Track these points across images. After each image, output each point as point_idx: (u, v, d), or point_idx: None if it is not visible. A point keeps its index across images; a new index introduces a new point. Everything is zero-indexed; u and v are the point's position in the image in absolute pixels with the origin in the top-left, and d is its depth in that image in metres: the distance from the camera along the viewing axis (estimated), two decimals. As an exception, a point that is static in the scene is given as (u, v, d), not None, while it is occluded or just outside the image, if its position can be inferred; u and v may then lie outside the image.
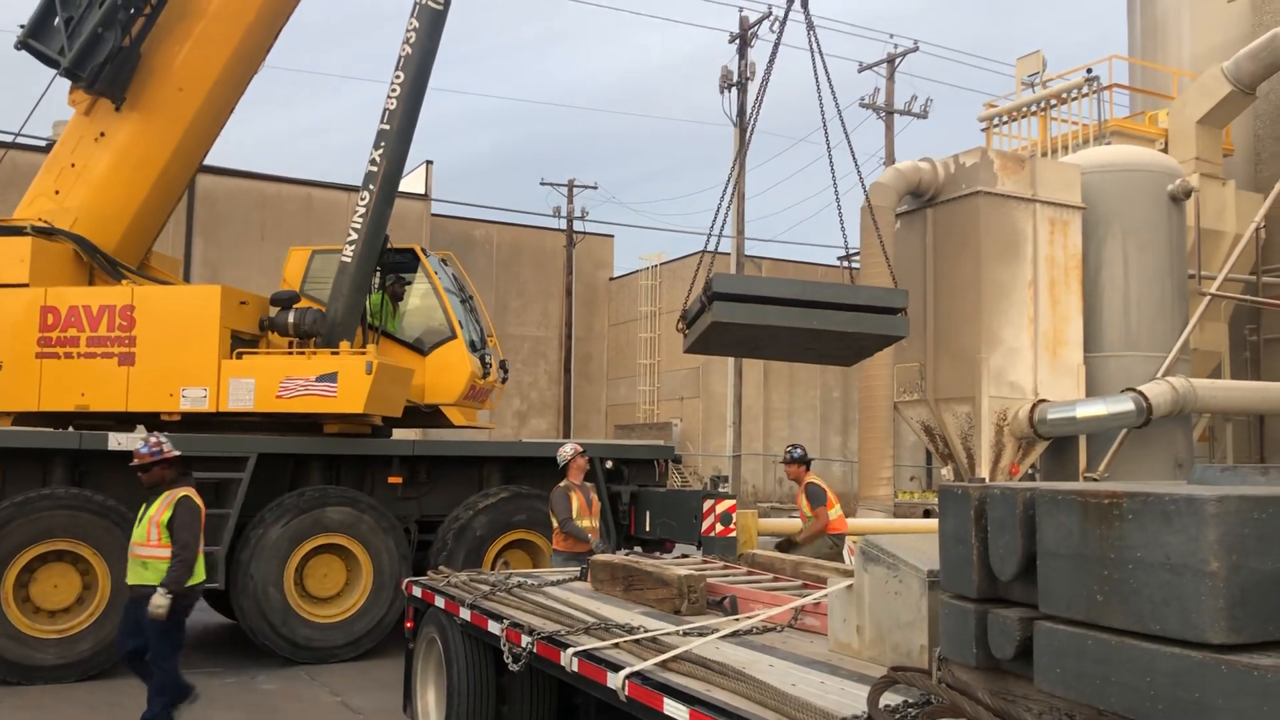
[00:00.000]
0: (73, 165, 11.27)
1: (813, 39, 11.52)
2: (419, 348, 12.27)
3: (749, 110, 31.28)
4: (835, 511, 10.77)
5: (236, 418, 10.92)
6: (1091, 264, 15.06)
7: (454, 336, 12.22)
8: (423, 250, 12.71)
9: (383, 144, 11.23)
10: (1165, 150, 17.80)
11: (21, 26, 10.76)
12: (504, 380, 13.10)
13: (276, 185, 31.32)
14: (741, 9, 32.55)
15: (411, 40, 11.28)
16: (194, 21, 11.22)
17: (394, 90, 11.21)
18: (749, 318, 9.41)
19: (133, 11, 10.80)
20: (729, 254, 31.60)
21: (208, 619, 12.91)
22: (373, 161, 11.27)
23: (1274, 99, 18.95)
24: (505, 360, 13.47)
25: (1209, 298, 15.88)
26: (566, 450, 10.10)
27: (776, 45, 11.79)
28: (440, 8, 11.30)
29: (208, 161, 12.36)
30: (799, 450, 11.09)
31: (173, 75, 11.24)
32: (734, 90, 31.39)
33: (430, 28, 11.27)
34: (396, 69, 11.28)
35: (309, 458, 11.19)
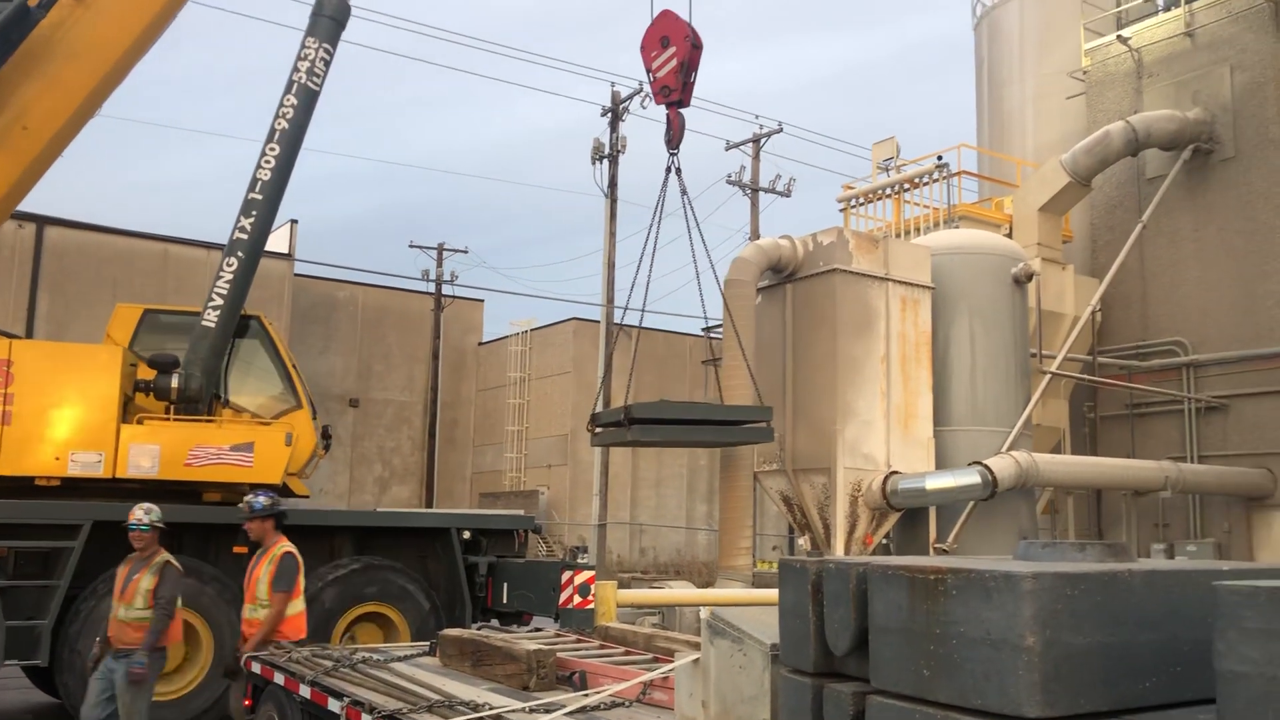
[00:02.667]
0: None
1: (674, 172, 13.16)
2: (262, 417, 11.92)
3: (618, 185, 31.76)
4: (299, 605, 7.90)
5: (121, 485, 10.43)
6: (941, 341, 15.68)
7: (300, 407, 11.95)
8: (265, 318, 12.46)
9: (253, 213, 11.09)
10: (1010, 235, 18.76)
11: None
12: (326, 449, 12.80)
13: (130, 240, 30.22)
14: (614, 84, 33.21)
15: (288, 116, 11.30)
16: (52, 62, 10.78)
17: (267, 162, 11.16)
18: (660, 436, 13.07)
19: None
20: (598, 321, 31.79)
21: (29, 698, 12.07)
22: (241, 229, 11.08)
23: (1108, 190, 20.22)
24: (329, 426, 13.23)
25: (1050, 376, 16.68)
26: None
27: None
28: (317, 88, 11.40)
29: (57, 214, 11.85)
30: (263, 500, 8.08)
31: (20, 112, 10.73)
32: (605, 162, 31.85)
33: (306, 105, 11.40)
34: (270, 140, 11.22)
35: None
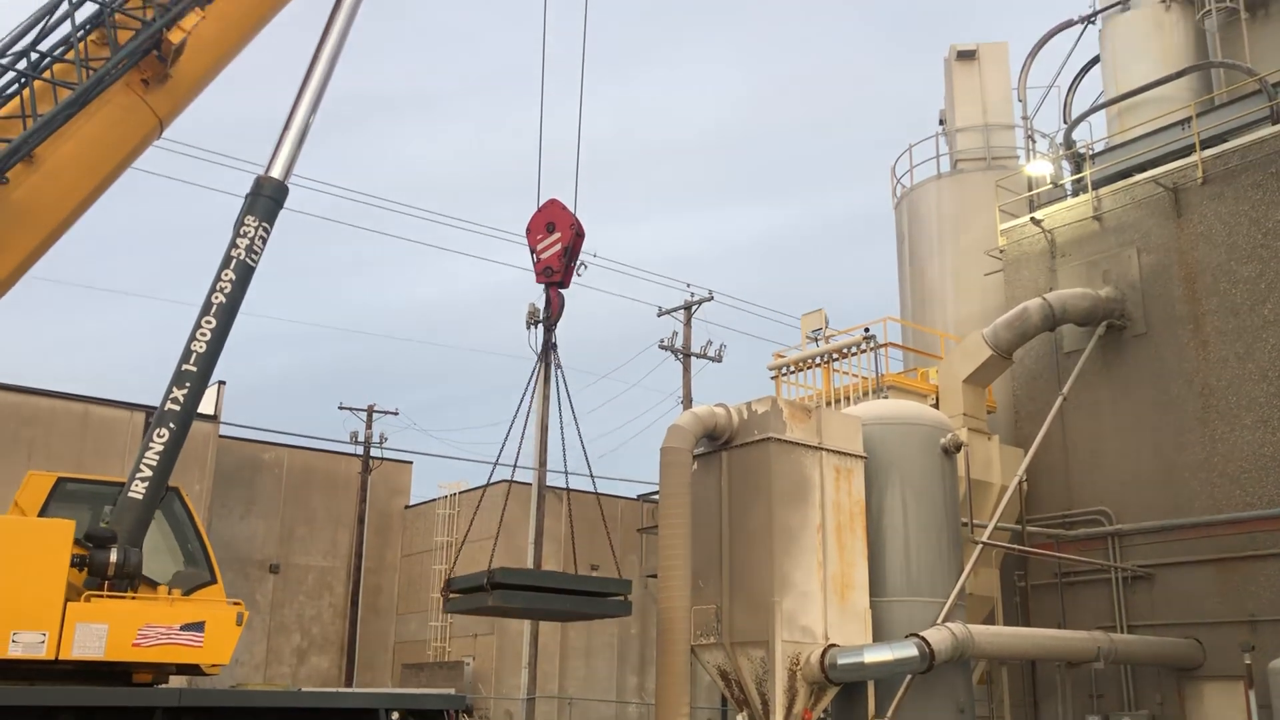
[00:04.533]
0: None
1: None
2: (173, 589, 11.49)
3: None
4: None
5: (60, 666, 9.87)
6: (875, 510, 15.83)
7: (214, 581, 11.57)
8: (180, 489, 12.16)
9: (186, 384, 10.93)
10: (936, 405, 19.24)
11: None
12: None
13: (50, 401, 29.46)
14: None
15: (225, 290, 11.30)
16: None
17: (202, 334, 11.08)
18: (521, 603, 12.65)
19: None
20: (530, 484, 31.53)
21: None
22: (174, 400, 10.89)
23: (1028, 363, 20.94)
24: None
25: (981, 545, 16.85)
26: None
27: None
28: (255, 264, 11.47)
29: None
30: None
31: None
32: (539, 326, 32.22)
33: (243, 280, 11.43)
34: (206, 314, 11.17)
35: (56, 710, 10.05)
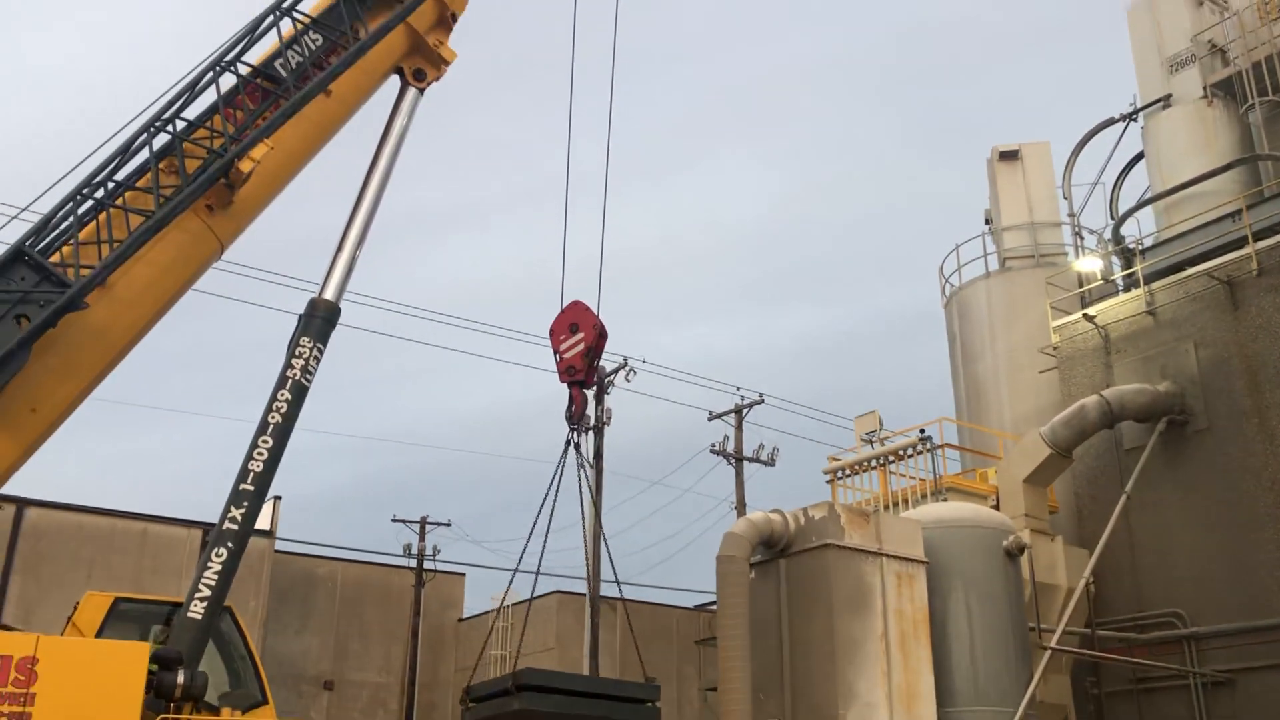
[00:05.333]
0: None
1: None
2: (225, 709, 11.42)
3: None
4: None
5: None
6: (938, 617, 15.42)
7: (266, 702, 11.52)
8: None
9: (244, 504, 11.03)
10: (997, 506, 18.86)
11: None
12: None
13: (110, 520, 29.86)
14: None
15: (281, 410, 11.47)
16: (68, 346, 10.87)
17: (259, 453, 11.22)
18: (549, 707, 12.14)
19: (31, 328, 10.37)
20: (583, 594, 31.19)
21: None
22: (231, 519, 10.96)
23: (1089, 461, 20.53)
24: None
25: (1050, 651, 16.32)
26: None
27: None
28: (309, 384, 11.65)
29: (36, 495, 11.73)
30: None
31: (30, 394, 10.72)
32: (590, 433, 32.27)
33: (298, 399, 11.58)
34: (263, 433, 11.32)
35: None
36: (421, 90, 13.55)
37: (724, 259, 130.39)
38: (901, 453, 20.20)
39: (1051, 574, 18.44)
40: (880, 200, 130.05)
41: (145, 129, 11.21)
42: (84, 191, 10.83)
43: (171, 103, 11.33)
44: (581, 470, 14.05)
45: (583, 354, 13.92)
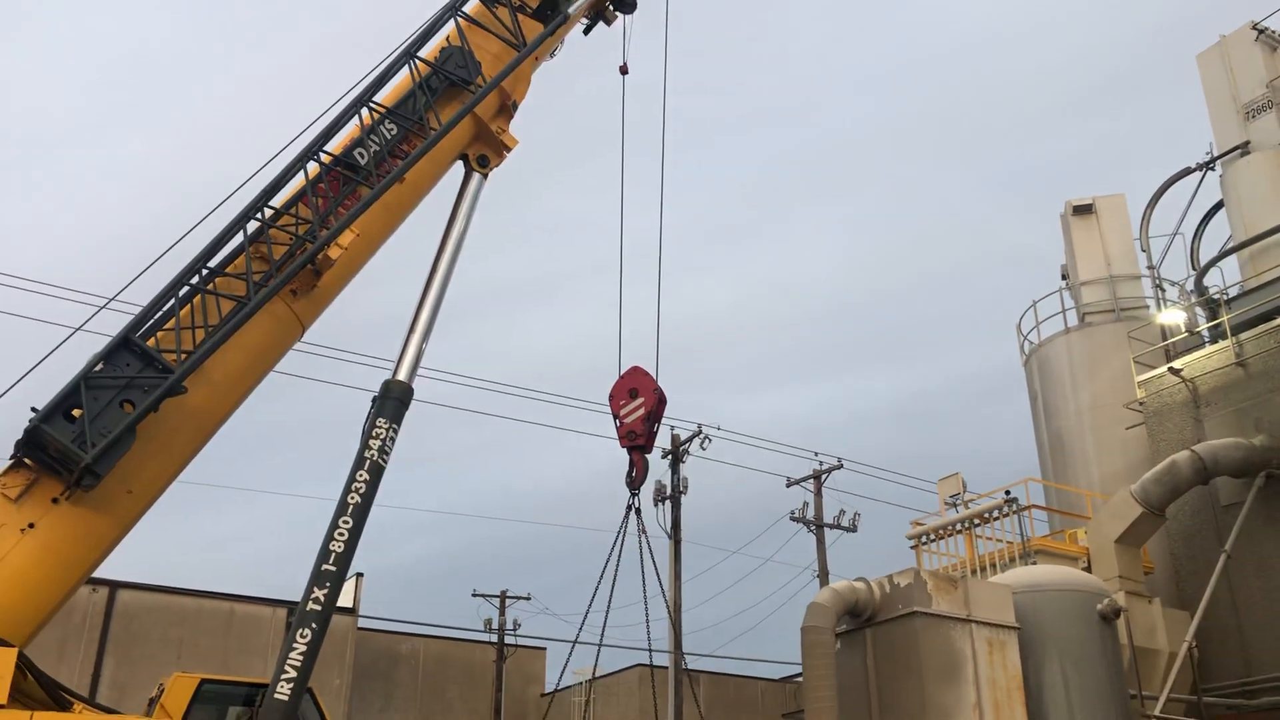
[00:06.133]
0: None
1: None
2: None
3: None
4: None
5: None
6: (1033, 684, 14.93)
7: None
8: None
9: (326, 584, 11.13)
10: (1088, 568, 18.29)
11: (34, 410, 10.29)
12: None
13: (198, 600, 30.38)
14: (672, 427, 34.04)
15: (360, 490, 11.61)
16: (164, 429, 11.15)
17: (340, 534, 11.33)
18: None
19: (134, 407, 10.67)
20: (666, 668, 30.77)
21: None
22: (315, 600, 11.05)
23: (1184, 519, 19.84)
24: None
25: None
26: None
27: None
28: (386, 464, 11.80)
29: (129, 577, 11.95)
30: None
31: (126, 476, 10.98)
32: (667, 503, 32.12)
33: (376, 479, 11.73)
34: (343, 514, 11.45)
35: None
36: (485, 175, 13.87)
37: (799, 322, 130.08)
38: (987, 515, 19.75)
39: (1151, 638, 17.77)
40: (954, 258, 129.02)
41: (244, 216, 11.62)
42: (185, 280, 11.23)
43: (269, 192, 11.76)
44: (643, 535, 14.05)
45: (643, 419, 14.05)
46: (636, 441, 14.16)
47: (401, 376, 12.56)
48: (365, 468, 11.77)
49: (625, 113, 16.25)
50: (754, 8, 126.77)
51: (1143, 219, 24.73)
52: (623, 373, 14.64)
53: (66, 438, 10.24)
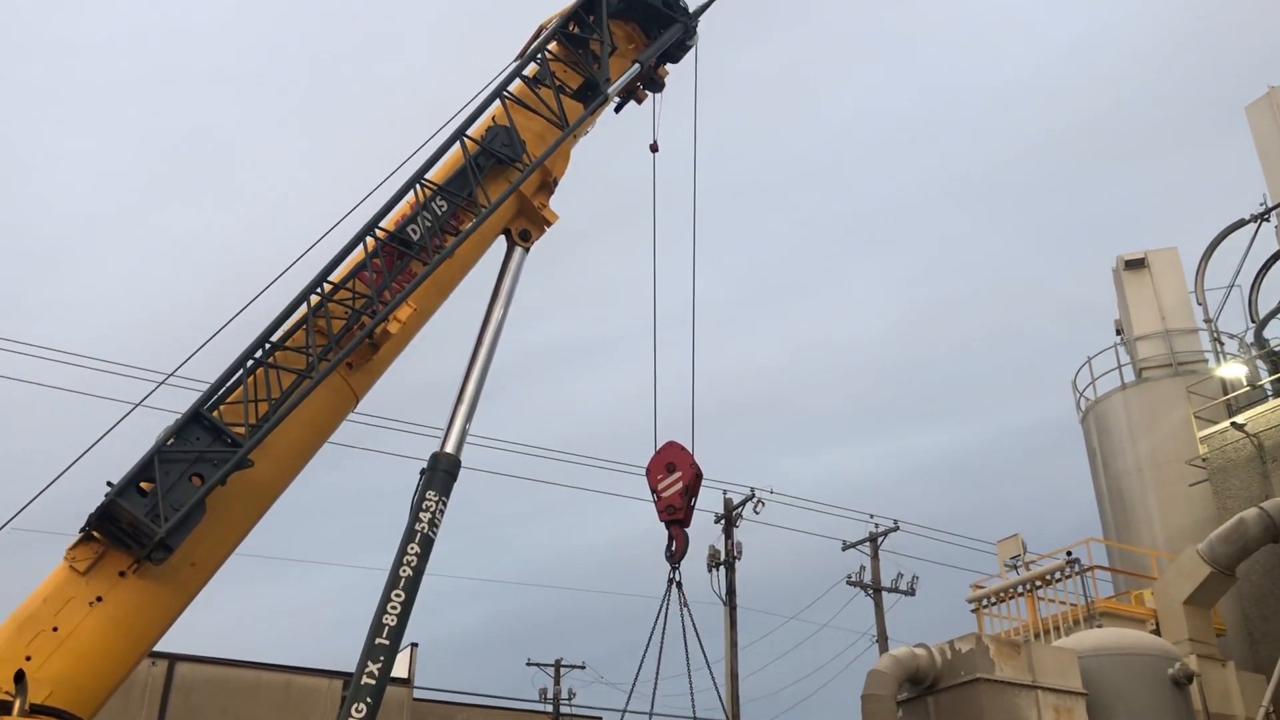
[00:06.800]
0: (55, 629, 10.68)
1: None
2: None
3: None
4: None
5: None
6: (1104, 754, 14.49)
7: None
8: None
9: (380, 658, 11.16)
10: (1156, 631, 17.79)
11: (110, 484, 10.38)
12: None
13: (256, 672, 30.49)
14: (725, 491, 33.85)
15: (411, 563, 11.68)
16: (228, 502, 11.25)
17: (392, 607, 11.37)
18: None
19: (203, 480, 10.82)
20: (722, 739, 30.25)
21: None
22: (369, 674, 11.08)
23: (1255, 579, 19.27)
24: None
25: (1234, 790, 15.10)
26: None
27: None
28: (435, 535, 11.89)
29: (188, 650, 12.00)
30: None
31: (190, 550, 11.07)
32: (721, 569, 31.83)
33: (426, 551, 11.81)
34: (395, 587, 11.51)
35: None
36: (527, 249, 14.12)
37: (851, 381, 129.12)
38: (1049, 577, 19.33)
39: (1226, 704, 17.16)
40: (1004, 313, 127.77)
41: (306, 292, 11.88)
42: (251, 354, 11.49)
43: (330, 268, 12.05)
44: (685, 609, 13.99)
45: (680, 492, 14.07)
46: (675, 516, 14.18)
47: (449, 449, 12.65)
48: (415, 540, 11.84)
49: (657, 187, 16.36)
50: (790, 65, 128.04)
51: (1197, 272, 24.42)
52: (659, 448, 14.71)
53: (140, 511, 10.43)
